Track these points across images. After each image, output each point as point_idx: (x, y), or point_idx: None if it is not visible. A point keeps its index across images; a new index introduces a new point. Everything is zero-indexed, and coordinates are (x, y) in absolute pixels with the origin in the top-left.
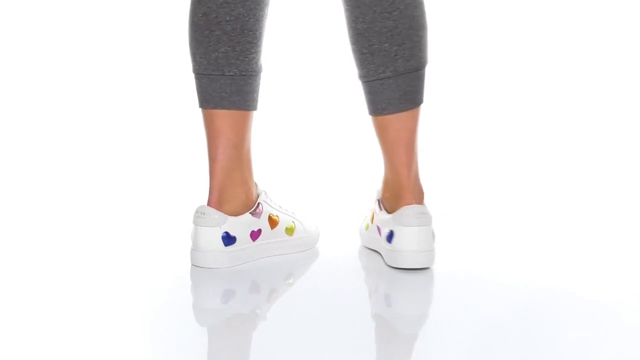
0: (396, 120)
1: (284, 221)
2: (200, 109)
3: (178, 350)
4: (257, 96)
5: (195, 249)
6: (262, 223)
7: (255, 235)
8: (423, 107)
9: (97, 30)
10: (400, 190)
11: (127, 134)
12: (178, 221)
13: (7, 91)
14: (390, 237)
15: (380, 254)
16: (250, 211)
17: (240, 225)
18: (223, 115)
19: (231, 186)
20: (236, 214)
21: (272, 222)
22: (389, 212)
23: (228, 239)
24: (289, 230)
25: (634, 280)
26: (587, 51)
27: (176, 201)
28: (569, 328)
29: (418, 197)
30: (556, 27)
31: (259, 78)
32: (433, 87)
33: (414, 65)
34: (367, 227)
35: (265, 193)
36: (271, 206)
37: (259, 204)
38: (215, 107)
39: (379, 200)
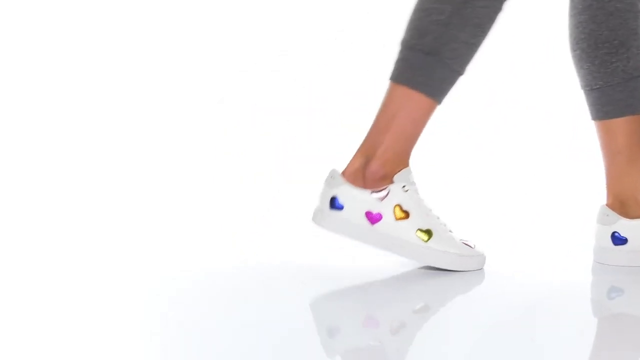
0: None
1: None
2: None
3: (179, 352)
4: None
5: None
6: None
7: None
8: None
9: (97, 29)
10: None
11: (128, 133)
12: (179, 220)
13: (7, 91)
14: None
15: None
16: None
17: None
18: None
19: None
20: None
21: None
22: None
23: None
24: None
25: (634, 281)
26: None
27: (178, 199)
28: (568, 329)
29: None
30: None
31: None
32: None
33: None
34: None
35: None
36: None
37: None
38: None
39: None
